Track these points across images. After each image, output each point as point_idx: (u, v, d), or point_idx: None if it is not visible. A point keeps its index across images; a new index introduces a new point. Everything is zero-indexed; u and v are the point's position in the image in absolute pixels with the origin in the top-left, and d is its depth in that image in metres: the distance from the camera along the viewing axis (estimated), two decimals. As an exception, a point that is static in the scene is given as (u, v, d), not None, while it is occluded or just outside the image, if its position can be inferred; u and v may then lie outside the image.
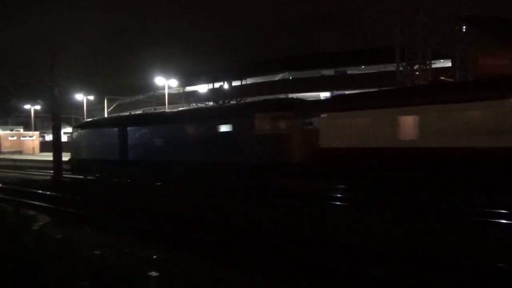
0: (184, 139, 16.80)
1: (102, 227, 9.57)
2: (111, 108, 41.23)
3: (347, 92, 28.05)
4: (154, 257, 7.05)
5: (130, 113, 41.32)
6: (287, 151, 13.53)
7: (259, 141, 13.98)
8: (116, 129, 19.95)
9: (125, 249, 7.44)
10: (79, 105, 45.15)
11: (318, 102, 17.98)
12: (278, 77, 45.20)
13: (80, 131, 22.91)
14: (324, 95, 34.90)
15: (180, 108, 28.03)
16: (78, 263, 5.99)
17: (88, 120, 30.65)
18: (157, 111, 33.89)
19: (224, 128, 15.41)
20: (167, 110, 29.49)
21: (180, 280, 5.89)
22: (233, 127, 15.07)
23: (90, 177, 21.33)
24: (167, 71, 33.77)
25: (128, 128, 19.36)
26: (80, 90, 42.40)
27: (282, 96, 34.34)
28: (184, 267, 6.48)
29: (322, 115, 13.19)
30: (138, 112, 45.08)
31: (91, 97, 43.36)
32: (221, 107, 19.00)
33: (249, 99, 34.65)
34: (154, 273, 5.98)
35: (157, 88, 40.92)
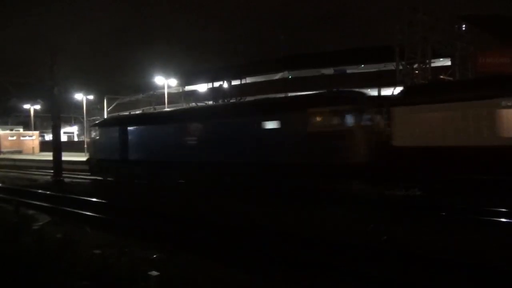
0: (222, 138, 14.93)
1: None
2: (111, 107, 41.17)
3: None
4: (154, 256, 7.05)
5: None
6: (350, 150, 11.73)
7: (315, 139, 12.16)
8: (143, 127, 18.53)
9: (125, 249, 7.45)
10: (79, 105, 45.11)
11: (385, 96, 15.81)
12: (277, 76, 45.17)
13: (101, 129, 20.95)
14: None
15: (210, 103, 26.19)
16: (78, 263, 5.99)
17: (110, 116, 29.20)
18: (186, 107, 30.64)
19: (270, 125, 13.56)
20: (199, 105, 27.57)
21: (180, 280, 5.89)
22: (281, 124, 13.21)
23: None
24: (167, 71, 33.77)
25: (158, 125, 17.84)
26: (79, 89, 42.39)
27: (286, 93, 34.33)
28: (186, 267, 6.48)
29: (396, 109, 11.48)
30: (149, 109, 44.85)
31: (91, 97, 43.31)
32: (266, 101, 17.54)
33: (248, 98, 34.69)
34: (154, 273, 5.99)
35: (156, 87, 40.88)
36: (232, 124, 14.88)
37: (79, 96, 43.04)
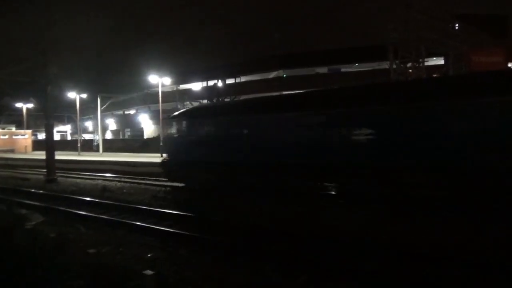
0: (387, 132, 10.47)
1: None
2: (104, 106, 40.99)
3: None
4: (149, 255, 7.02)
5: (149, 107, 40.69)
6: None
7: None
8: (260, 116, 13.36)
9: (120, 248, 7.42)
10: (72, 103, 44.82)
11: None
12: (272, 75, 45.21)
13: (188, 121, 15.70)
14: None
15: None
16: (73, 262, 5.95)
17: (204, 106, 20.75)
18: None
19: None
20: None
21: (176, 278, 5.88)
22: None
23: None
24: (161, 69, 33.61)
25: (284, 115, 12.70)
26: (73, 88, 42.10)
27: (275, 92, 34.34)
28: (182, 266, 6.45)
29: None
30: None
31: (84, 95, 43.04)
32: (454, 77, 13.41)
33: (243, 97, 34.64)
34: (149, 272, 5.97)
35: (150, 86, 40.73)
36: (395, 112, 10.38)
37: (72, 95, 42.76)
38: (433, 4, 21.90)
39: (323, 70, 42.41)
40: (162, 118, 18.02)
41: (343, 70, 40.88)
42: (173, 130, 16.35)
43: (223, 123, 14.54)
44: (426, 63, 23.29)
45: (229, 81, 43.73)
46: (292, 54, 42.92)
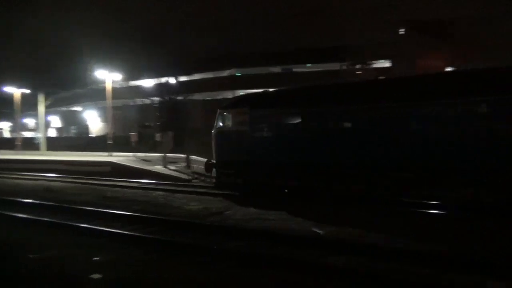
0: None
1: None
2: (48, 102, 38.73)
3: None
4: (97, 258, 6.69)
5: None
6: None
7: None
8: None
9: (65, 251, 7.03)
10: (9, 99, 41.84)
11: None
12: (225, 73, 45.02)
13: (252, 113, 12.45)
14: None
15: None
16: (13, 269, 5.55)
17: (275, 92, 15.43)
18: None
19: None
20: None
21: (125, 281, 5.64)
22: None
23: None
24: (110, 64, 32.26)
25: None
26: (12, 82, 39.33)
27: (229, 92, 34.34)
28: (133, 268, 6.21)
29: None
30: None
31: (26, 91, 40.37)
32: None
33: (195, 96, 34.14)
34: (96, 275, 5.70)
35: (98, 81, 39.07)
36: None
37: (11, 90, 39.99)
38: (382, 9, 22.90)
39: (276, 70, 42.87)
40: (218, 108, 13.83)
41: (295, 70, 41.56)
42: (228, 124, 13.13)
43: (322, 114, 11.45)
44: (374, 65, 24.29)
45: (182, 78, 42.97)
46: (246, 54, 42.96)
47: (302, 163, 11.52)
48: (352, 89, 12.17)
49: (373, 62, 24.83)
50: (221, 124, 13.44)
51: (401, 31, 25.08)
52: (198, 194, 13.63)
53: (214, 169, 13.91)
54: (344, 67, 23.08)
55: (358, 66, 22.55)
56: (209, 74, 44.50)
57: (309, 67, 41.25)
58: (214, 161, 13.73)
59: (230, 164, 12.98)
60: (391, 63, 27.89)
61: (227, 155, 13.15)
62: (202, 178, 17.37)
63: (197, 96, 35.32)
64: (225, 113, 13.44)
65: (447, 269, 5.64)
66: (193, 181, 17.28)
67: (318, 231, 8.22)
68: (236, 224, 8.95)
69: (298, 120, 11.89)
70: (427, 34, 24.97)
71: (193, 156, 21.28)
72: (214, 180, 14.29)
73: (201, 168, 19.51)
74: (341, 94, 11.77)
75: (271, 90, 15.95)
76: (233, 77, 43.79)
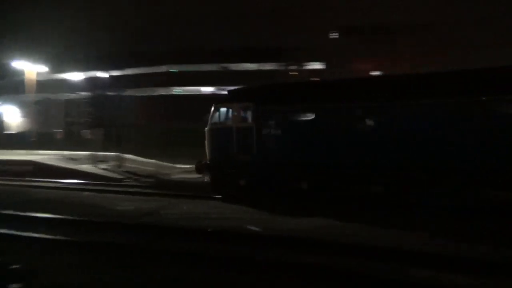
0: None
1: None
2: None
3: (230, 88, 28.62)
4: (16, 266, 6.12)
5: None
6: None
7: None
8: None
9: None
10: None
11: None
12: (161, 69, 43.84)
13: (266, 106, 11.39)
14: (208, 90, 35.00)
15: None
16: None
17: (275, 84, 14.24)
18: None
19: None
20: None
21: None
22: None
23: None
24: (33, 54, 29.85)
25: None
26: None
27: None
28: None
29: None
30: None
31: None
32: None
33: (129, 91, 32.86)
34: (14, 286, 5.25)
35: (19, 73, 35.99)
36: None
37: None
38: (320, 13, 23.70)
39: (213, 67, 42.62)
40: (214, 103, 12.45)
41: (233, 69, 41.64)
42: (231, 119, 11.78)
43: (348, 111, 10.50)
44: (309, 67, 25.09)
45: (115, 73, 41.08)
46: (183, 50, 42.19)
47: (321, 163, 10.72)
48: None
49: (308, 64, 25.65)
50: (218, 120, 12.12)
51: (335, 34, 26.14)
52: (130, 194, 13.10)
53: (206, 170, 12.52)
54: (282, 68, 23.59)
55: (293, 67, 23.17)
56: (145, 69, 43.06)
57: (246, 67, 41.62)
58: (208, 161, 12.34)
59: (231, 164, 11.76)
60: (325, 66, 29.00)
61: (227, 154, 11.78)
62: (135, 177, 16.73)
63: (132, 92, 33.99)
64: (224, 108, 12.08)
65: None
66: (125, 180, 16.58)
67: (254, 228, 8.28)
68: (170, 224, 8.73)
69: (319, 117, 10.88)
70: (363, 39, 26.26)
71: (129, 155, 20.44)
72: (208, 180, 12.70)
73: (135, 167, 18.82)
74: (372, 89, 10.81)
75: (279, 83, 15.11)
76: (169, 73, 42.78)
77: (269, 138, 11.29)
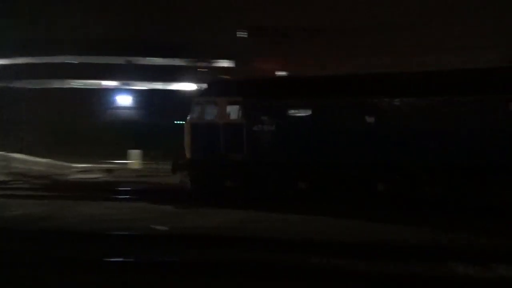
0: None
1: None
2: None
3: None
4: None
5: None
6: None
7: None
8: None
9: None
10: None
11: None
12: (57, 59, 40.22)
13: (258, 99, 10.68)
14: (109, 83, 33.07)
15: None
16: None
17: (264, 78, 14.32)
18: None
19: None
20: None
21: None
22: None
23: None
24: None
25: None
26: None
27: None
28: None
29: None
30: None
31: None
32: None
33: (16, 83, 29.67)
34: None
35: None
36: None
37: None
38: (229, 11, 23.72)
39: (118, 61, 40.39)
40: (194, 96, 11.70)
41: (141, 63, 39.95)
42: (216, 114, 10.72)
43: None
44: (217, 64, 25.13)
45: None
46: (83, 39, 39.21)
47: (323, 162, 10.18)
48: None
49: (217, 61, 25.74)
50: (200, 115, 11.11)
51: (242, 33, 26.47)
52: (20, 197, 11.87)
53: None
54: (191, 64, 23.30)
55: (201, 64, 23.01)
56: (37, 59, 39.09)
57: (152, 61, 40.19)
58: (187, 161, 11.23)
59: (216, 164, 10.84)
60: (233, 64, 29.25)
61: (212, 152, 10.84)
62: (26, 179, 15.19)
63: (23, 84, 30.81)
64: (208, 102, 11.07)
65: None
66: (11, 183, 14.94)
67: (160, 228, 8.13)
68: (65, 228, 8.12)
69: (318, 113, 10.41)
70: (266, 39, 26.90)
71: (18, 155, 18.48)
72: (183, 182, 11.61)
73: (25, 168, 17.15)
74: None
75: (274, 77, 13.60)
76: (67, 64, 39.46)
77: (264, 135, 10.57)
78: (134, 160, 21.75)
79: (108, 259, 5.91)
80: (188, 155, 11.32)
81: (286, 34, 25.99)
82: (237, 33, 26.38)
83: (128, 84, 29.95)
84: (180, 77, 26.10)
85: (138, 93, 31.37)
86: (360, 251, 6.20)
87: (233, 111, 10.90)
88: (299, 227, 8.12)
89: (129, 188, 13.45)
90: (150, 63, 40.09)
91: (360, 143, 10.00)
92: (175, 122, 33.39)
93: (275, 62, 26.13)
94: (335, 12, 23.11)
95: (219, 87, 11.87)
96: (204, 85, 12.97)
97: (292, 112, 10.65)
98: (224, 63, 30.48)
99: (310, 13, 23.60)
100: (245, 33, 27.01)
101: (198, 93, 12.04)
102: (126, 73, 31.84)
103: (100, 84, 31.61)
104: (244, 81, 12.42)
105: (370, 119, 10.00)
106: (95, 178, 13.90)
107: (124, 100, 31.06)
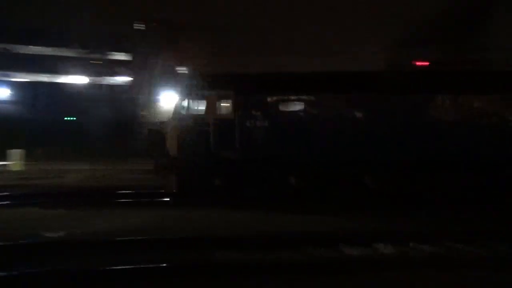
0: None
1: None
2: None
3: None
4: None
5: None
6: None
7: None
8: None
9: None
10: None
11: None
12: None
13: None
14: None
15: None
16: None
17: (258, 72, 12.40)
18: None
19: None
20: None
21: None
22: None
23: None
24: None
25: None
26: None
27: None
28: None
29: None
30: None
31: None
32: None
33: None
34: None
35: None
36: None
37: None
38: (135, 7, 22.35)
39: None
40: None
41: (18, 51, 35.67)
42: (204, 110, 10.30)
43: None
44: (114, 57, 23.67)
45: None
46: None
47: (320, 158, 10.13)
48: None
49: (113, 53, 24.23)
50: (186, 110, 10.57)
51: (140, 26, 25.30)
52: None
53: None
54: (83, 55, 21.56)
55: (94, 56, 21.46)
56: None
57: (37, 50, 36.24)
58: (172, 160, 10.48)
59: (205, 162, 10.32)
60: (131, 57, 27.78)
61: (200, 150, 10.30)
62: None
63: None
64: (195, 96, 10.67)
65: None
66: None
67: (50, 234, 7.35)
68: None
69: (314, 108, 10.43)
70: (158, 34, 26.04)
71: None
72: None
73: None
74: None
75: (268, 71, 12.60)
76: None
77: (258, 131, 10.32)
78: (14, 161, 19.43)
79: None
80: (172, 154, 10.72)
81: (183, 28, 25.46)
82: (134, 25, 25.21)
83: (6, 75, 26.57)
84: (69, 69, 23.98)
85: (19, 86, 28.05)
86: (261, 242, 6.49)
87: (224, 107, 10.70)
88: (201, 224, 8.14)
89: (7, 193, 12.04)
90: (31, 52, 35.98)
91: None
92: (65, 118, 30.61)
93: (172, 56, 25.50)
94: (233, 10, 23.23)
95: (208, 81, 11.51)
96: (192, 79, 12.29)
97: (287, 107, 10.77)
98: (121, 56, 28.91)
99: (208, 9, 23.43)
100: (143, 26, 25.93)
101: (187, 87, 11.28)
102: (3, 62, 28.22)
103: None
104: (237, 75, 12.23)
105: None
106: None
107: (1, 93, 27.54)
